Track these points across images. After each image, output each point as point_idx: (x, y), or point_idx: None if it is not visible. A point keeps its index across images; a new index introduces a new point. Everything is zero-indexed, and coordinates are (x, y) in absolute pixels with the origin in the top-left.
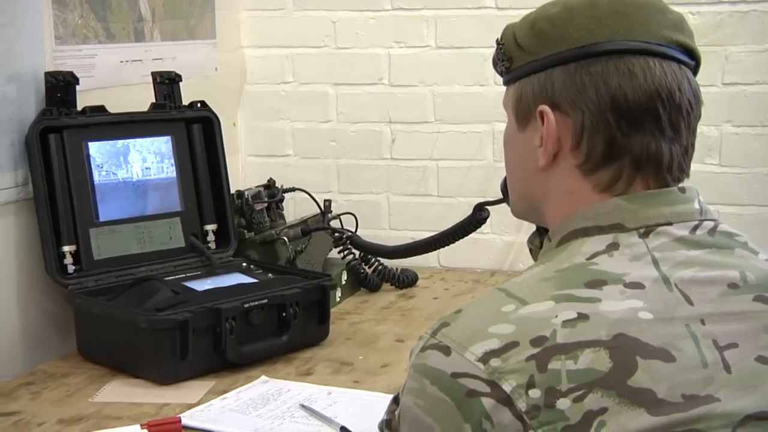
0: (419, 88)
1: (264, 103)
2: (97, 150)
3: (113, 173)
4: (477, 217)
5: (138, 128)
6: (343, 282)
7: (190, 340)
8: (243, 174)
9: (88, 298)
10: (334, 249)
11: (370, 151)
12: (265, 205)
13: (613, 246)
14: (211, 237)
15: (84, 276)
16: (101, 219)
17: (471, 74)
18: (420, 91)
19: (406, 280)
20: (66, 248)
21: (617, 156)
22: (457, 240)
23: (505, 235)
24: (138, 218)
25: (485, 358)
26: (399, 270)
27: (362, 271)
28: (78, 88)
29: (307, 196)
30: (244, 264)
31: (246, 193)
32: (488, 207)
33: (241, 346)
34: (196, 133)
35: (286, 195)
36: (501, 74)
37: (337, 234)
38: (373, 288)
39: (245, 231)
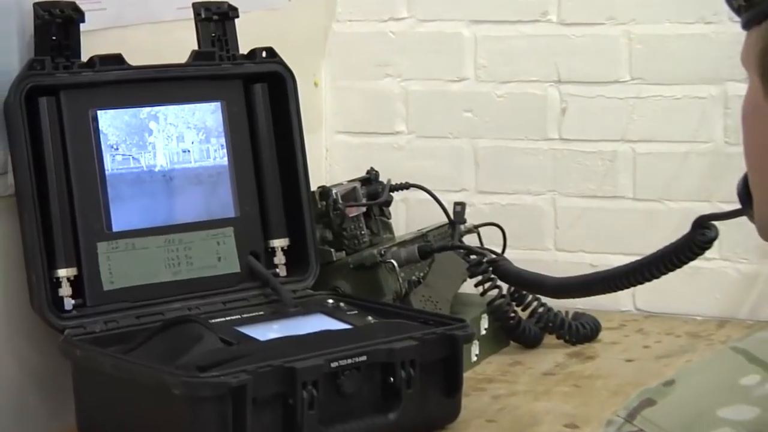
0: (606, 27)
1: (362, 52)
2: (110, 122)
3: (134, 158)
4: (699, 237)
5: (172, 89)
6: (483, 331)
7: (248, 416)
8: (329, 161)
9: (94, 349)
10: (469, 279)
11: (526, 126)
12: (363, 209)
13: None
14: (280, 258)
15: (89, 315)
16: (115, 228)
17: (688, 6)
18: (608, 33)
19: (581, 331)
20: (62, 272)
21: None
22: (666, 271)
23: (743, 264)
24: (170, 228)
25: None
26: (571, 315)
27: (513, 314)
28: (82, 27)
29: (428, 196)
30: (331, 301)
31: (334, 191)
32: (717, 221)
33: (326, 425)
34: (258, 97)
35: (395, 195)
36: (737, 11)
37: (474, 257)
38: (531, 342)
39: (332, 250)
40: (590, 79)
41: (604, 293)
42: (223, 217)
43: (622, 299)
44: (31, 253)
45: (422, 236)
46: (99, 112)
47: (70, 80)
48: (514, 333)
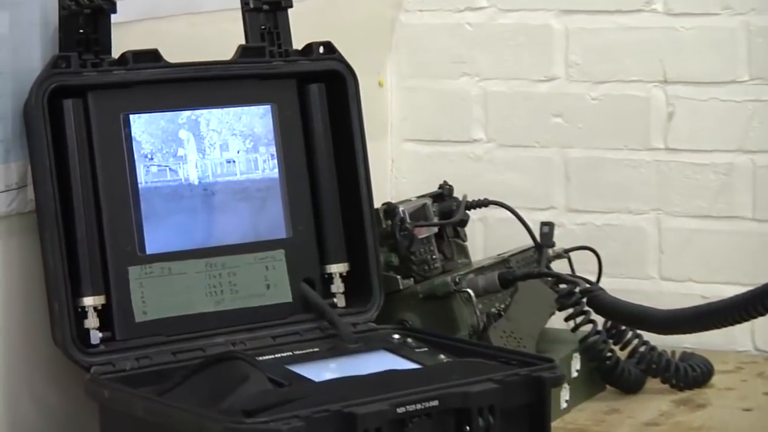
0: (721, 18)
1: (434, 47)
2: (144, 128)
3: (170, 169)
4: None
5: (215, 91)
6: (575, 373)
7: None
8: (395, 174)
9: (124, 390)
10: (557, 312)
11: (626, 133)
12: (435, 230)
13: None
14: (338, 286)
15: (118, 351)
16: (149, 250)
17: None
18: (723, 25)
19: (690, 375)
20: (88, 301)
21: None
22: None
23: None
24: (212, 250)
25: None
26: (678, 355)
27: (609, 354)
28: (114, 19)
29: (510, 215)
30: (397, 336)
31: (401, 208)
32: None
33: None
34: (315, 99)
35: (471, 213)
36: None
37: (564, 286)
38: (630, 386)
39: (399, 277)
40: (702, 78)
41: (717, 328)
42: (273, 238)
43: (739, 337)
44: (53, 279)
45: (503, 262)
46: (132, 116)
47: (99, 80)
48: (611, 375)
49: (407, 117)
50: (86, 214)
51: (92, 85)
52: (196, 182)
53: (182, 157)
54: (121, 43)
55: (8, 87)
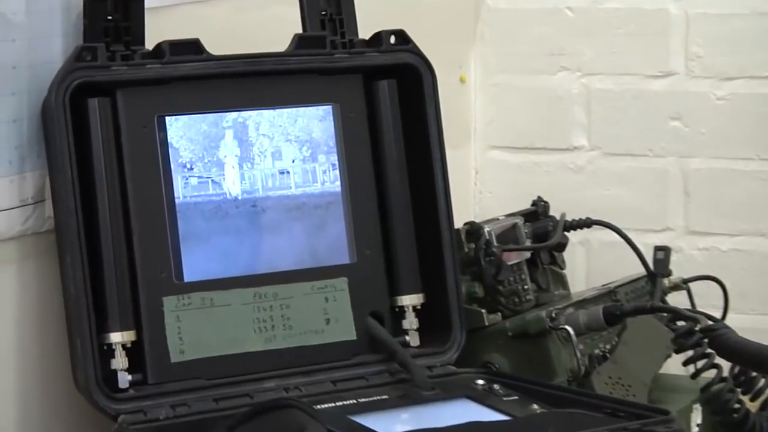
0: None
1: (527, 36)
2: (182, 132)
3: (213, 182)
4: None
5: (266, 88)
6: (696, 428)
7: None
8: (480, 187)
9: None
10: (674, 355)
11: (758, 141)
12: (527, 255)
13: None
14: (411, 321)
15: (151, 396)
16: (187, 278)
17: None
18: None
19: None
20: (116, 338)
21: None
22: None
23: None
24: (261, 278)
25: None
26: None
27: (737, 405)
28: (148, 4)
29: (618, 237)
30: (481, 381)
31: (487, 229)
32: None
33: None
34: (384, 98)
35: (571, 235)
36: None
37: (682, 323)
38: None
39: (483, 311)
40: None
41: None
42: (335, 264)
43: None
44: (74, 311)
45: (609, 293)
46: (168, 118)
47: (130, 75)
48: (740, 431)
49: (494, 120)
50: (114, 234)
51: (122, 81)
52: (243, 197)
53: (227, 166)
54: (157, 31)
55: (23, 84)
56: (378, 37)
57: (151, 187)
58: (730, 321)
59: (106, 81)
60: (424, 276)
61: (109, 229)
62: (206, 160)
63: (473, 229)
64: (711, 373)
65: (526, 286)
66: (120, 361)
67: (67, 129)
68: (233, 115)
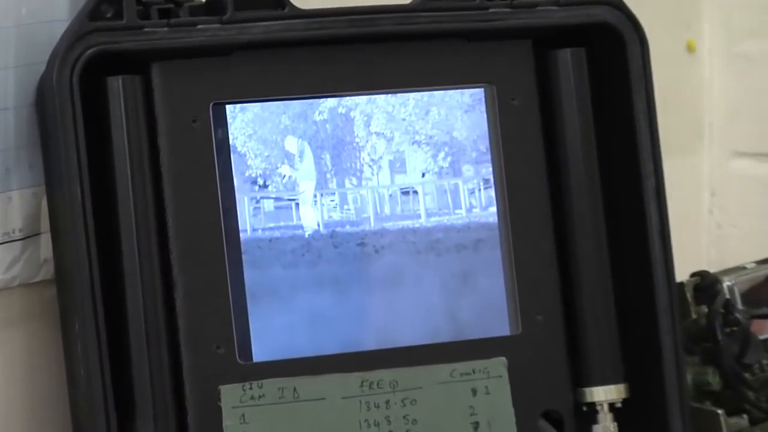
0: None
1: None
2: (251, 129)
3: (298, 206)
4: None
5: (382, 61)
6: None
7: None
8: (718, 216)
9: None
10: None
11: None
12: None
13: None
14: (607, 428)
15: None
16: (257, 357)
17: None
18: None
19: None
20: None
21: None
22: None
23: None
24: (371, 359)
25: None
26: None
27: None
28: None
29: None
30: None
31: (728, 283)
32: None
33: None
34: (566, 76)
35: None
36: None
37: None
38: None
39: (720, 411)
40: None
41: None
42: (487, 337)
43: None
44: (84, 406)
45: None
46: (230, 108)
47: (171, 41)
48: None
49: (740, 111)
50: (145, 287)
51: (160, 50)
52: (345, 231)
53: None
54: None
55: (9, 55)
56: None
57: (203, 214)
58: None
59: (135, 50)
60: (626, 357)
61: (139, 279)
62: (288, 174)
63: (706, 284)
64: None
65: None
66: None
67: (76, 123)
68: (330, 103)
